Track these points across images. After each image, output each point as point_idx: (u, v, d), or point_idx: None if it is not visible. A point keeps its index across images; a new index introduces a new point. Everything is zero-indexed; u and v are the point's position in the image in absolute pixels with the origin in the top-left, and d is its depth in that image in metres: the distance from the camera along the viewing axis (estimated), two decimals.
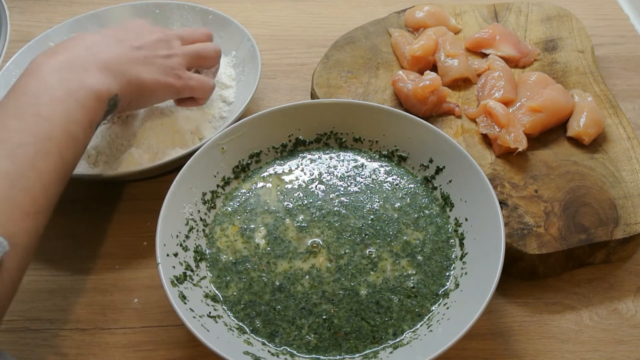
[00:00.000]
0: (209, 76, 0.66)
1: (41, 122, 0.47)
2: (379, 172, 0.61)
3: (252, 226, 0.56)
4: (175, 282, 0.49)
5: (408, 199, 0.58)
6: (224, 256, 0.54)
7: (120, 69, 0.54)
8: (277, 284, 0.52)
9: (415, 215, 0.57)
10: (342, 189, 0.59)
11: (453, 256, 0.54)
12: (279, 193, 0.59)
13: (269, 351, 0.48)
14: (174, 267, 0.50)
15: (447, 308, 0.50)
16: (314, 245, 0.54)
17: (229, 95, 0.71)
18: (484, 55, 0.75)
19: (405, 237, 0.55)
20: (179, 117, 0.66)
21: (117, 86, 0.53)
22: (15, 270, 0.43)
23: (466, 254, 0.53)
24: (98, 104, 0.51)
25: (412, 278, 0.52)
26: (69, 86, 0.50)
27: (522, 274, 0.57)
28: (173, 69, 0.59)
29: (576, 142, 0.64)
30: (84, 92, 0.50)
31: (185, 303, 0.47)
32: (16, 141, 0.45)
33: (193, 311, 0.47)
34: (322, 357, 0.48)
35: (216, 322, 0.49)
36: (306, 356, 0.48)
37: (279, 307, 0.51)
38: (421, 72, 0.70)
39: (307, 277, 0.52)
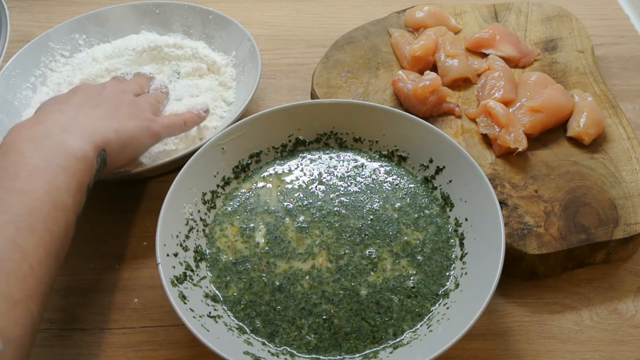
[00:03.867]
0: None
1: (19, 196, 0.43)
2: (379, 172, 0.61)
3: (252, 226, 0.56)
4: (175, 282, 0.49)
5: (408, 199, 0.58)
6: (224, 256, 0.54)
7: (102, 124, 0.52)
8: (277, 284, 0.52)
9: (415, 215, 0.57)
10: (342, 189, 0.59)
11: (453, 256, 0.54)
12: (279, 193, 0.59)
13: (269, 351, 0.48)
14: (174, 267, 0.50)
15: (447, 308, 0.50)
16: (314, 245, 0.54)
17: (229, 95, 0.72)
18: (484, 55, 0.75)
19: (405, 237, 0.55)
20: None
21: (102, 141, 0.50)
22: None
23: (466, 254, 0.53)
24: (84, 164, 0.48)
25: (412, 278, 0.52)
26: (48, 153, 0.46)
27: (522, 274, 0.57)
28: (143, 113, 0.58)
29: (576, 142, 0.64)
30: (66, 155, 0.47)
31: (185, 303, 0.47)
32: None
33: (193, 311, 0.47)
34: (322, 357, 0.48)
35: (216, 322, 0.49)
36: (306, 356, 0.48)
37: (279, 307, 0.51)
38: (421, 72, 0.70)
39: (307, 277, 0.52)
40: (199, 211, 0.56)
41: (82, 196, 0.48)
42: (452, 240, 0.55)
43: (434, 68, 0.73)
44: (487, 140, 0.65)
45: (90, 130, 0.51)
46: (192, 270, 0.52)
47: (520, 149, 0.61)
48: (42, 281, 0.42)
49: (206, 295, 0.51)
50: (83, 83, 0.60)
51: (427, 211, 0.57)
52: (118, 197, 0.64)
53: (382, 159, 0.62)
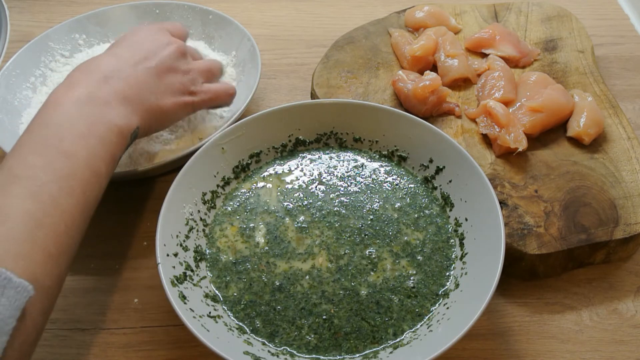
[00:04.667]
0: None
1: (64, 159, 0.46)
2: (379, 172, 0.60)
3: (252, 226, 0.56)
4: (175, 282, 0.49)
5: (408, 199, 0.58)
6: (224, 256, 0.54)
7: (141, 99, 0.53)
8: (277, 284, 0.52)
9: (415, 215, 0.57)
10: (342, 189, 0.59)
11: (453, 256, 0.54)
12: (279, 193, 0.59)
13: (269, 351, 0.48)
14: (174, 267, 0.50)
15: (447, 308, 0.50)
16: (314, 245, 0.54)
17: None
18: (484, 55, 0.75)
19: (405, 237, 0.55)
20: None
21: (137, 118, 0.52)
22: (38, 315, 0.41)
23: (466, 254, 0.53)
24: (120, 139, 0.50)
25: (412, 278, 0.52)
26: (91, 121, 0.49)
27: (522, 274, 0.57)
28: (190, 85, 0.58)
29: (576, 142, 0.64)
30: (106, 128, 0.49)
31: (185, 303, 0.47)
32: (39, 179, 0.44)
33: (193, 311, 0.47)
34: (322, 357, 0.48)
35: (216, 322, 0.49)
36: (306, 356, 0.48)
37: (279, 307, 0.51)
38: (421, 72, 0.70)
39: (307, 277, 0.52)
40: (199, 211, 0.56)
41: (113, 167, 0.51)
42: (452, 240, 0.55)
43: (434, 68, 0.73)
44: (487, 140, 0.65)
45: (130, 106, 0.52)
46: (192, 270, 0.52)
47: (520, 149, 0.61)
48: (73, 240, 0.45)
49: (206, 295, 0.51)
50: (146, 31, 0.59)
51: (427, 211, 0.57)
52: (118, 197, 0.64)
53: (382, 159, 0.62)
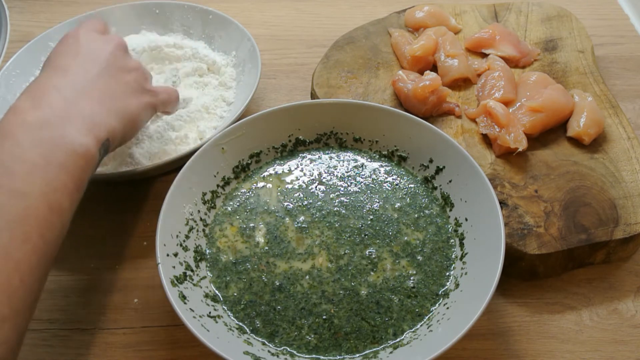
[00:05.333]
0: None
1: (15, 200, 0.39)
2: (379, 172, 0.60)
3: (252, 226, 0.56)
4: (175, 282, 0.49)
5: (408, 199, 0.58)
6: (224, 256, 0.54)
7: (106, 107, 0.48)
8: (277, 284, 0.52)
9: (415, 215, 0.57)
10: (342, 189, 0.59)
11: (453, 256, 0.54)
12: (279, 193, 0.59)
13: (269, 351, 0.48)
14: (174, 267, 0.50)
15: (447, 308, 0.50)
16: (314, 245, 0.54)
17: (229, 95, 0.72)
18: (484, 55, 0.75)
19: (405, 237, 0.55)
20: (179, 117, 0.66)
21: (105, 130, 0.47)
22: None
23: (466, 254, 0.53)
24: (85, 160, 0.44)
25: (412, 278, 0.52)
26: (47, 148, 0.42)
27: (522, 274, 0.57)
28: (144, 84, 0.54)
29: (576, 142, 0.64)
30: (66, 153, 0.43)
31: (185, 303, 0.47)
32: None
33: (193, 311, 0.47)
34: (322, 357, 0.48)
35: (216, 322, 0.49)
36: (306, 356, 0.48)
37: (279, 307, 0.51)
38: (421, 72, 0.70)
39: (307, 277, 0.52)
40: (199, 211, 0.56)
41: (79, 195, 0.45)
42: (452, 240, 0.55)
43: (434, 68, 0.73)
44: (487, 140, 0.65)
45: (92, 118, 0.46)
46: (192, 270, 0.52)
47: (520, 149, 0.61)
48: (31, 293, 0.39)
49: (206, 295, 0.51)
50: (81, 32, 0.52)
51: (427, 211, 0.57)
52: (118, 197, 0.64)
53: (382, 159, 0.62)
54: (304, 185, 0.59)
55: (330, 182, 0.60)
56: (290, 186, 0.59)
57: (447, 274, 0.53)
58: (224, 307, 0.51)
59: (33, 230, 0.40)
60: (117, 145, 0.51)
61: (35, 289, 0.40)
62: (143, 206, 0.64)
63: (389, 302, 0.51)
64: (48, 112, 0.44)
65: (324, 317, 0.50)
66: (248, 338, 0.49)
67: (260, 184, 0.60)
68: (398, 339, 0.49)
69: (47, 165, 0.42)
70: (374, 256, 0.54)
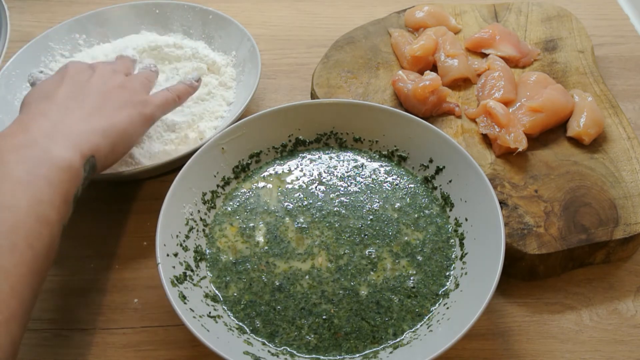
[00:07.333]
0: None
1: (3, 212, 0.41)
2: (379, 172, 0.60)
3: (252, 226, 0.56)
4: (175, 282, 0.49)
5: (408, 199, 0.58)
6: (224, 256, 0.54)
7: (89, 126, 0.50)
8: (277, 284, 0.52)
9: (415, 215, 0.57)
10: (342, 189, 0.59)
11: (453, 256, 0.54)
12: (279, 193, 0.59)
13: (269, 351, 0.48)
14: (174, 267, 0.50)
15: (447, 308, 0.50)
16: (314, 246, 0.54)
17: (229, 95, 0.72)
18: (484, 55, 0.75)
19: (405, 237, 0.55)
20: (179, 117, 0.66)
21: (89, 147, 0.48)
22: None
23: (466, 254, 0.53)
24: (69, 174, 0.46)
25: (412, 278, 0.52)
26: (32, 164, 0.44)
27: (522, 274, 0.57)
28: (135, 96, 0.56)
29: (576, 142, 0.64)
30: (51, 167, 0.45)
31: (185, 303, 0.47)
32: None
33: (193, 311, 0.47)
34: (322, 357, 0.48)
35: (216, 322, 0.49)
36: (306, 356, 0.48)
37: (279, 307, 0.51)
38: (421, 72, 0.70)
39: (307, 277, 0.52)
40: (199, 211, 0.56)
41: (67, 207, 0.46)
42: (452, 240, 0.55)
43: (434, 68, 0.73)
44: (487, 140, 0.65)
45: (76, 136, 0.48)
46: (192, 270, 0.52)
47: (520, 149, 0.61)
48: (23, 300, 0.40)
49: (206, 295, 0.51)
50: (72, 63, 0.56)
51: (427, 211, 0.57)
52: (118, 197, 0.64)
53: (382, 159, 0.62)
54: (304, 185, 0.59)
55: (330, 182, 0.60)
56: (290, 186, 0.59)
57: (447, 274, 0.53)
58: (224, 307, 0.51)
59: (20, 240, 0.41)
60: (107, 162, 0.52)
61: (26, 298, 0.41)
62: (143, 206, 0.64)
63: (389, 302, 0.51)
64: (35, 134, 0.47)
65: (324, 317, 0.50)
66: (248, 338, 0.49)
67: (260, 184, 0.60)
68: (398, 339, 0.49)
69: (32, 180, 0.43)
70: (373, 256, 0.54)
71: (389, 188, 0.59)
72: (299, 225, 0.56)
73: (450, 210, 0.57)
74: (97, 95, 0.53)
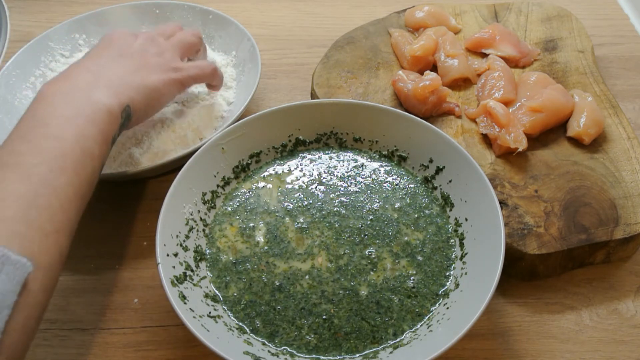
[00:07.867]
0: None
1: (52, 141, 0.46)
2: (379, 172, 0.61)
3: (252, 226, 0.56)
4: (175, 282, 0.49)
5: (408, 199, 0.58)
6: (224, 256, 0.54)
7: (126, 80, 0.55)
8: (277, 284, 0.52)
9: (415, 215, 0.57)
10: (342, 189, 0.59)
11: (453, 256, 0.54)
12: (279, 194, 0.59)
13: (269, 351, 0.48)
14: (174, 267, 0.50)
15: (447, 308, 0.50)
16: (314, 246, 0.54)
17: (229, 95, 0.72)
18: (484, 55, 0.75)
19: (405, 237, 0.55)
20: (179, 117, 0.66)
21: (126, 98, 0.54)
22: (39, 292, 0.42)
23: (466, 254, 0.53)
24: (110, 118, 0.51)
25: (412, 278, 0.52)
26: (77, 104, 0.50)
27: (522, 274, 0.57)
28: (169, 63, 0.60)
29: (576, 142, 0.64)
30: (93, 108, 0.50)
31: (185, 303, 0.47)
32: (28, 163, 0.45)
33: (193, 311, 0.47)
34: (322, 357, 0.48)
35: (216, 322, 0.49)
36: (306, 356, 0.48)
37: (279, 307, 0.51)
38: (421, 72, 0.70)
39: (307, 277, 0.52)
40: (199, 211, 0.56)
41: (107, 147, 0.51)
42: (452, 240, 0.55)
43: (434, 68, 0.73)
44: (487, 140, 0.65)
45: (115, 87, 0.53)
46: (192, 270, 0.52)
47: (520, 149, 0.61)
48: (69, 217, 0.45)
49: (206, 295, 0.51)
50: (117, 31, 0.62)
51: (427, 211, 0.57)
52: (118, 197, 0.64)
53: (382, 159, 0.62)
54: (304, 186, 0.59)
55: (330, 182, 0.60)
56: (290, 186, 0.59)
57: (447, 274, 0.53)
58: (224, 307, 0.51)
59: (69, 165, 0.46)
60: (140, 115, 0.57)
61: (72, 216, 0.46)
62: (143, 206, 0.64)
63: (389, 302, 0.51)
64: (79, 82, 0.52)
65: (324, 317, 0.50)
66: (248, 338, 0.49)
67: (260, 184, 0.60)
68: (398, 339, 0.49)
69: (77, 118, 0.49)
70: (373, 256, 0.54)
71: (389, 188, 0.59)
72: (299, 225, 0.56)
73: (450, 210, 0.57)
74: (136, 59, 0.58)
